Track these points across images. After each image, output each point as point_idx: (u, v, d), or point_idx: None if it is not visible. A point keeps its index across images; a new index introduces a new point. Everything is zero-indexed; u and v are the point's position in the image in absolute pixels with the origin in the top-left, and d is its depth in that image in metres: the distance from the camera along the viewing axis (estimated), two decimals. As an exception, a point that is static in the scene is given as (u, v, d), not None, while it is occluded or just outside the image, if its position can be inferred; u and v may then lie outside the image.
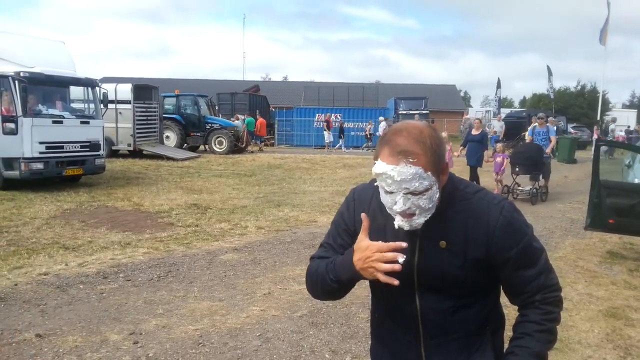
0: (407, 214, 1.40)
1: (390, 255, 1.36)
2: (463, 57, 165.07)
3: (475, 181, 10.40)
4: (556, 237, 7.70)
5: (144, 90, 18.30)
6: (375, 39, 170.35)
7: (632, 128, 30.18)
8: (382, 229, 1.51)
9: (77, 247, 6.41)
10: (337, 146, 26.26)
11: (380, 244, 1.38)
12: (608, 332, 4.23)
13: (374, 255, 1.37)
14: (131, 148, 17.33)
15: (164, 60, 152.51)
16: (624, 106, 64.61)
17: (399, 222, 1.42)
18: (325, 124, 26.45)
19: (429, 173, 1.36)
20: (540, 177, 10.89)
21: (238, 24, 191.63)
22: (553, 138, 11.42)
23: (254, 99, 30.31)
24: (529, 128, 12.50)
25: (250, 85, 36.53)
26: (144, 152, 17.78)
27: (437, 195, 1.42)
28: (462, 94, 54.94)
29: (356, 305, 4.61)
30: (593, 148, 11.43)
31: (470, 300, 1.53)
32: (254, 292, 5.01)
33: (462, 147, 11.64)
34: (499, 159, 11.30)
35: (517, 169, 10.64)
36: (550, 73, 33.81)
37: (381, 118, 25.17)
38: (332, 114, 28.03)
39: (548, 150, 11.02)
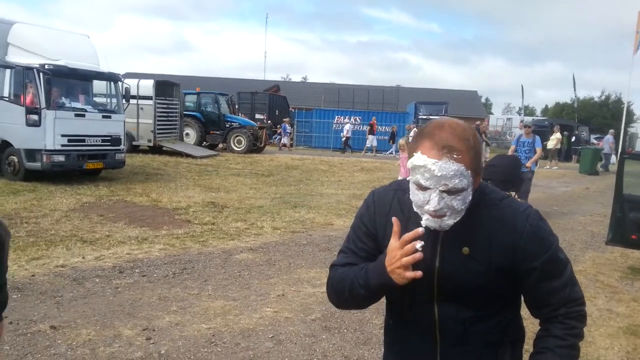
0: (438, 215, 1.35)
1: (409, 247, 1.33)
2: (484, 63, 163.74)
3: None
4: (576, 250, 7.55)
5: (165, 87, 18.42)
6: (394, 41, 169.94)
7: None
8: (404, 232, 1.47)
9: (94, 241, 6.47)
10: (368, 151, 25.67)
11: (402, 238, 1.35)
12: (629, 350, 4.12)
13: (398, 253, 1.34)
14: (151, 144, 17.45)
15: (184, 57, 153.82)
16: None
17: (427, 221, 1.38)
18: (369, 127, 25.91)
19: (469, 172, 1.33)
20: (514, 194, 8.58)
21: (257, 23, 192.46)
22: (538, 150, 10.04)
23: (274, 99, 30.41)
24: (515, 137, 11.21)
25: (270, 85, 36.64)
26: (164, 149, 17.91)
27: (470, 198, 1.37)
28: (482, 100, 54.42)
29: (370, 311, 4.56)
30: (617, 160, 10.73)
31: (490, 310, 1.48)
32: (268, 293, 5.00)
33: None
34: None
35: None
36: (575, 82, 33.43)
37: (411, 125, 25.07)
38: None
39: (528, 163, 9.74)
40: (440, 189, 1.31)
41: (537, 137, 10.21)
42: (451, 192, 1.32)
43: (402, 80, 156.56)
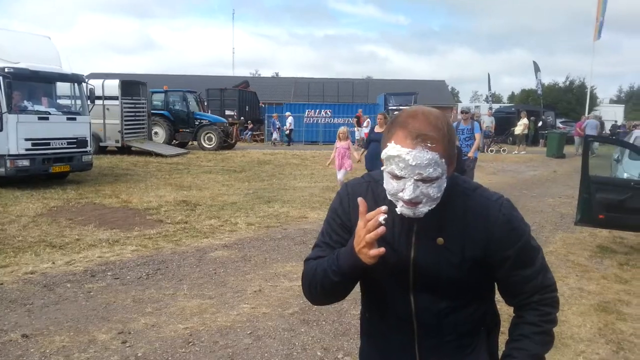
0: (413, 202, 1.35)
1: (372, 222, 1.30)
2: (451, 53, 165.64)
3: None
4: (546, 232, 7.71)
5: (131, 86, 18.12)
6: (362, 34, 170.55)
7: (619, 123, 30.44)
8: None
9: (64, 245, 6.31)
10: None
11: (366, 217, 1.33)
12: (600, 326, 4.23)
13: (363, 231, 1.32)
14: (119, 144, 17.15)
15: (151, 55, 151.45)
16: (612, 101, 65.20)
17: (401, 209, 1.37)
18: (355, 119, 25.87)
19: (443, 160, 1.32)
20: None
21: (225, 18, 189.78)
22: (478, 136, 9.65)
23: (244, 94, 30.20)
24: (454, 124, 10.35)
25: (239, 81, 36.36)
26: (132, 149, 17.61)
27: (444, 185, 1.37)
28: (450, 89, 54.97)
29: (348, 301, 4.56)
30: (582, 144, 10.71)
31: (466, 300, 1.49)
32: (245, 290, 4.96)
33: (363, 149, 9.46)
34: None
35: None
36: (537, 69, 34.01)
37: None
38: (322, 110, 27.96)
39: (470, 153, 9.38)
40: (415, 177, 1.31)
41: (476, 123, 9.93)
42: (426, 180, 1.31)
43: (371, 72, 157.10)
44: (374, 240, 1.31)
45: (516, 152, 22.24)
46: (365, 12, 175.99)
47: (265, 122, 28.36)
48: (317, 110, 28.46)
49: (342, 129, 10.27)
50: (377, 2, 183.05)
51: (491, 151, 22.30)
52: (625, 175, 8.77)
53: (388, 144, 1.35)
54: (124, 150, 17.48)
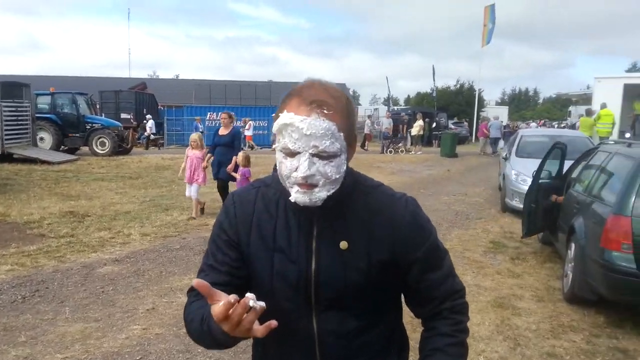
0: (309, 184, 1.17)
1: (239, 310, 1.01)
2: (350, 57, 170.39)
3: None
4: (443, 229, 7.95)
5: (13, 88, 16.61)
6: (263, 36, 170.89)
7: (504, 123, 32.76)
8: (271, 234, 1.28)
9: None
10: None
11: (225, 306, 1.01)
12: (497, 323, 4.35)
13: (228, 323, 1.03)
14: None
15: (36, 56, 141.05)
16: (497, 103, 70.37)
17: (296, 195, 1.19)
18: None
19: (342, 135, 1.18)
20: None
21: (119, 18, 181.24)
22: None
23: (141, 97, 28.87)
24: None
25: (136, 82, 34.70)
26: (15, 156, 16.04)
27: (345, 169, 1.22)
28: (351, 92, 56.37)
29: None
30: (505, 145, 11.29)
31: (374, 318, 1.33)
32: (136, 309, 4.56)
33: (209, 155, 8.47)
34: (239, 175, 8.00)
35: None
36: (434, 73, 35.84)
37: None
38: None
39: None
40: (311, 151, 1.16)
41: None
42: (322, 156, 1.17)
43: (273, 74, 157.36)
44: (252, 324, 1.04)
45: (413, 152, 23.14)
46: (266, 15, 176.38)
47: (165, 125, 27.21)
48: (219, 113, 27.76)
49: (194, 136, 8.68)
50: (277, 5, 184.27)
51: (390, 152, 23.05)
52: (513, 172, 9.33)
53: (280, 114, 1.19)
54: (5, 157, 15.84)
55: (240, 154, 8.07)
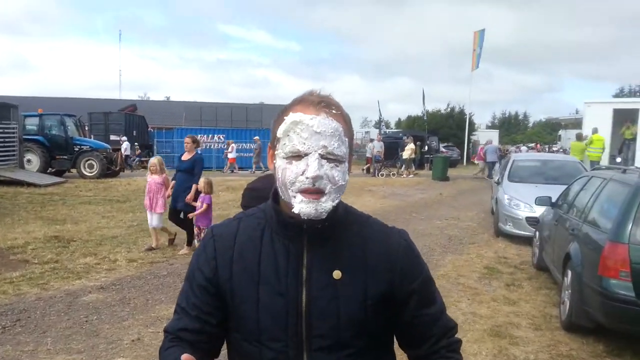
0: (315, 190, 1.10)
1: None
2: (341, 79, 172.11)
3: (189, 236, 7.59)
4: (437, 255, 7.85)
5: (0, 109, 16.38)
6: (255, 59, 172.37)
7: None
8: (256, 264, 1.18)
9: None
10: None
11: None
12: (495, 353, 4.22)
13: None
14: (-16, 174, 15.33)
15: (24, 76, 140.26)
16: (487, 127, 71.07)
17: (300, 205, 1.11)
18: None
19: (347, 140, 1.17)
20: None
21: (110, 39, 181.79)
22: None
23: (131, 118, 28.75)
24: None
25: (126, 104, 34.61)
26: (1, 179, 15.82)
27: (347, 178, 1.18)
28: (342, 115, 56.54)
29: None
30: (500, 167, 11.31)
31: (370, 357, 1.22)
32: (121, 339, 4.38)
33: (172, 181, 7.71)
34: (199, 203, 7.38)
35: None
36: (424, 96, 36.22)
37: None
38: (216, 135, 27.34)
39: None
40: (320, 152, 1.11)
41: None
42: (330, 159, 1.13)
43: (264, 97, 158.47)
44: None
45: (405, 175, 23.11)
46: (257, 38, 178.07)
47: (155, 147, 27.06)
48: (210, 136, 27.72)
49: (153, 160, 8.02)
50: (268, 28, 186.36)
51: (381, 175, 22.98)
52: (505, 197, 9.26)
53: (285, 117, 1.14)
54: (-10, 180, 15.64)
55: (202, 179, 7.45)
